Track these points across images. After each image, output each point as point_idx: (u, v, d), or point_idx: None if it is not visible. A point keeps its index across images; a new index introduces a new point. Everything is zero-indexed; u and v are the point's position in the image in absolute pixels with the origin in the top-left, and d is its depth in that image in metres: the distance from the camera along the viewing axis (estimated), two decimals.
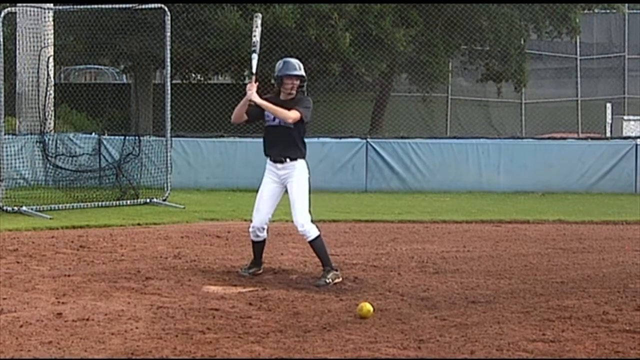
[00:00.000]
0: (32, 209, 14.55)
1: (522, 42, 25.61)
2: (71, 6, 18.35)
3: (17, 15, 17.29)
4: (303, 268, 9.47)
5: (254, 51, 8.81)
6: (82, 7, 18.59)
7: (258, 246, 9.02)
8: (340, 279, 8.65)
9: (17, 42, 17.50)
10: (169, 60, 16.47)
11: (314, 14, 21.77)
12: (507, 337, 6.55)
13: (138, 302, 7.59)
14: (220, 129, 20.26)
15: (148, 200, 16.17)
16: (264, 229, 8.89)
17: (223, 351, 6.10)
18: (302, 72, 8.70)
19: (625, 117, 27.82)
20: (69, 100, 21.97)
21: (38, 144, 17.07)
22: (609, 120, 28.35)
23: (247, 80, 8.73)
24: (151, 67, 25.40)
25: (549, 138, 20.89)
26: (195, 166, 19.08)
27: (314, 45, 22.00)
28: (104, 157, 18.05)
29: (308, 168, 8.85)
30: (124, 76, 29.81)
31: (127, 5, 17.37)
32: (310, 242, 8.71)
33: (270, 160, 8.82)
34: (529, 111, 29.48)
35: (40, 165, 17.19)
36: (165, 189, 16.31)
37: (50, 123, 17.46)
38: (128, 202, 16.04)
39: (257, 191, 8.94)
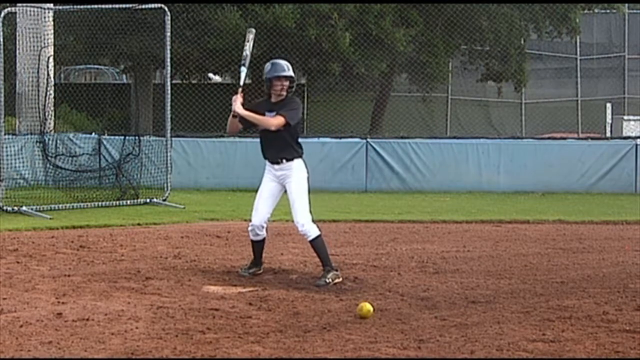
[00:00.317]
0: (32, 209, 14.55)
1: (522, 42, 25.62)
2: (71, 6, 18.35)
3: (17, 15, 17.29)
4: (303, 268, 9.47)
5: (243, 64, 8.91)
6: (82, 7, 18.59)
7: (258, 245, 9.02)
8: (340, 279, 8.65)
9: (17, 42, 17.50)
10: (169, 60, 16.47)
11: (314, 14, 21.77)
12: (507, 337, 6.55)
13: (138, 302, 7.60)
14: (220, 129, 20.20)
15: (148, 200, 16.17)
16: (263, 227, 8.89)
17: (223, 351, 6.10)
18: (291, 73, 8.72)
19: (625, 117, 27.83)
20: (69, 100, 21.98)
21: (38, 144, 17.07)
22: (609, 120, 28.36)
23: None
24: (151, 67, 25.41)
25: (549, 138, 20.89)
26: (195, 166, 19.08)
27: (314, 45, 22.00)
28: (104, 157, 18.05)
29: (306, 167, 8.86)
30: (124, 76, 29.82)
31: (127, 5, 17.38)
32: (310, 241, 8.71)
33: (268, 161, 8.86)
34: (529, 111, 29.48)
35: (40, 165, 17.18)
36: (165, 189, 16.31)
37: (50, 123, 17.46)
38: (128, 202, 16.04)
39: (257, 191, 8.95)
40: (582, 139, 21.54)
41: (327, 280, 8.51)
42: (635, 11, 29.89)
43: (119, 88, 28.34)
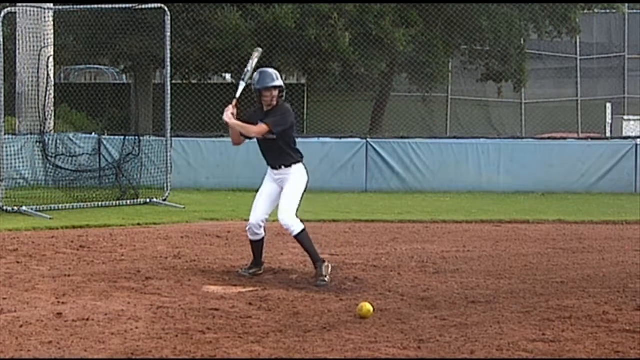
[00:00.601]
0: (32, 209, 14.55)
1: (522, 42, 25.61)
2: (71, 6, 18.34)
3: (17, 15, 17.28)
4: (303, 268, 9.47)
5: (243, 79, 9.01)
6: (82, 7, 18.59)
7: (257, 245, 9.03)
8: (331, 266, 8.69)
9: (17, 42, 17.49)
10: (169, 60, 16.47)
11: (314, 14, 21.77)
12: (507, 337, 6.55)
13: (138, 302, 7.60)
14: (220, 129, 20.22)
15: (148, 200, 16.17)
16: (260, 226, 8.92)
17: (223, 351, 6.10)
18: (279, 82, 8.78)
19: (625, 117, 27.82)
20: (69, 100, 21.98)
21: (38, 144, 17.07)
22: (609, 120, 28.35)
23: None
24: (151, 67, 25.40)
25: (549, 138, 20.89)
26: (195, 166, 19.07)
27: (314, 45, 22.00)
28: (104, 157, 18.04)
29: (307, 171, 8.90)
30: (124, 76, 29.81)
31: (127, 5, 17.38)
32: (295, 236, 8.75)
33: (269, 165, 8.98)
34: (529, 111, 29.47)
35: (40, 165, 17.18)
36: (165, 189, 16.31)
37: (50, 123, 17.46)
38: (128, 202, 16.04)
39: (257, 191, 8.98)
40: (582, 139, 21.53)
41: (326, 279, 8.51)
42: (635, 11, 29.88)
43: (119, 88, 28.33)
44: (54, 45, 17.96)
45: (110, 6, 17.90)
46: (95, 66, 30.49)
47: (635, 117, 27.58)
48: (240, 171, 18.75)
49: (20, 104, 17.80)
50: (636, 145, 19.40)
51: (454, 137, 21.09)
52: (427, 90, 25.50)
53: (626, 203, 17.06)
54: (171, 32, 16.38)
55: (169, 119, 16.50)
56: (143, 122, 23.35)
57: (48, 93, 17.32)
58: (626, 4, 28.06)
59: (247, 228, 9.00)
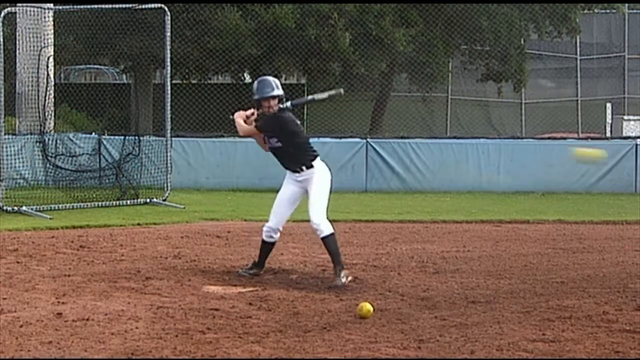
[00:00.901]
0: (32, 209, 14.55)
1: (522, 42, 25.61)
2: (71, 6, 18.34)
3: (17, 15, 17.28)
4: (303, 268, 9.47)
5: (293, 102, 8.92)
6: (82, 7, 18.59)
7: (267, 247, 9.05)
8: (352, 278, 8.65)
9: (17, 42, 17.49)
10: (169, 60, 16.48)
11: (314, 14, 21.77)
12: (507, 337, 6.55)
13: (138, 302, 7.60)
14: (220, 129, 20.24)
15: (148, 200, 16.17)
16: (278, 230, 8.99)
17: (223, 351, 6.10)
18: (277, 92, 8.80)
19: (625, 117, 27.83)
20: (69, 100, 21.98)
21: (38, 144, 17.06)
22: (609, 120, 28.36)
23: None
24: (151, 67, 25.40)
25: (549, 138, 20.89)
26: (195, 166, 19.07)
27: (314, 45, 22.00)
28: (104, 157, 18.04)
29: (328, 167, 8.95)
30: (124, 76, 29.81)
31: (127, 5, 17.38)
32: (322, 238, 8.73)
33: (289, 171, 8.98)
34: (529, 111, 29.47)
35: (40, 165, 17.18)
36: (165, 189, 16.31)
37: (50, 123, 17.46)
38: (128, 202, 16.04)
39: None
40: (582, 139, 21.54)
41: (343, 280, 8.50)
42: (635, 11, 29.89)
43: (119, 88, 28.32)
44: (54, 45, 17.96)
45: (110, 6, 17.90)
46: (95, 66, 30.48)
47: (635, 117, 27.59)
48: (240, 171, 18.76)
49: (20, 104, 17.80)
50: (636, 145, 19.40)
51: (454, 137, 21.10)
52: (427, 90, 25.50)
53: (626, 203, 17.06)
54: (171, 32, 16.38)
55: (169, 119, 16.50)
56: (143, 122, 23.35)
57: (48, 93, 17.32)
58: (626, 4, 28.06)
59: (264, 229, 8.99)
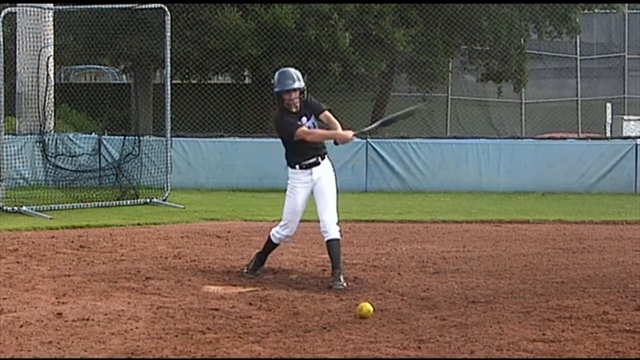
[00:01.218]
0: (32, 209, 14.55)
1: (522, 42, 25.61)
2: (71, 6, 18.35)
3: (17, 15, 17.29)
4: (303, 268, 9.47)
5: (383, 121, 9.29)
6: (82, 7, 18.59)
7: (273, 247, 9.06)
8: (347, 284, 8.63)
9: (17, 42, 17.50)
10: (169, 60, 16.48)
11: (314, 14, 21.77)
12: (507, 337, 6.55)
13: (138, 302, 7.59)
14: (220, 129, 20.26)
15: (148, 200, 16.17)
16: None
17: (223, 351, 6.10)
18: (299, 84, 8.59)
19: (625, 117, 27.83)
20: (69, 100, 21.98)
21: (38, 144, 17.07)
22: (609, 120, 28.35)
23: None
24: (151, 67, 25.40)
25: (549, 138, 20.89)
26: (195, 166, 19.07)
27: (314, 45, 22.00)
28: (104, 157, 18.05)
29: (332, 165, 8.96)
30: (124, 76, 29.81)
31: (127, 5, 17.38)
32: (328, 240, 8.63)
33: (305, 168, 8.73)
34: (529, 111, 29.47)
35: (40, 165, 17.18)
36: (165, 189, 16.31)
37: (50, 123, 17.46)
38: (128, 202, 16.04)
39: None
40: (582, 139, 21.54)
41: (344, 284, 8.45)
42: (635, 11, 29.88)
43: (119, 88, 28.32)
44: (54, 45, 17.96)
45: (110, 6, 17.91)
46: (95, 66, 30.49)
47: (635, 117, 27.59)
48: (240, 171, 18.76)
49: (20, 104, 17.80)
50: (636, 145, 19.40)
51: (454, 137, 21.11)
52: (427, 90, 25.49)
53: (626, 203, 17.06)
54: (171, 32, 16.39)
55: (169, 119, 16.50)
56: (143, 122, 23.35)
57: (48, 93, 17.33)
58: (626, 4, 28.05)
59: (278, 237, 8.89)
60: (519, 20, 24.39)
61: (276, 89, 8.62)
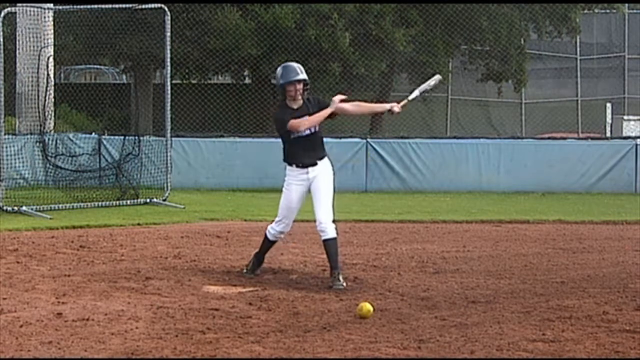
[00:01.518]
0: (32, 209, 14.55)
1: (522, 42, 25.61)
2: (71, 6, 18.34)
3: (17, 15, 17.28)
4: (303, 268, 9.47)
5: (420, 89, 9.71)
6: (82, 7, 18.59)
7: (271, 245, 9.04)
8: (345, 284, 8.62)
9: (17, 42, 17.49)
10: (169, 60, 16.48)
11: (314, 14, 21.77)
12: (507, 337, 6.55)
13: (138, 302, 7.60)
14: (220, 129, 20.25)
15: (148, 200, 16.17)
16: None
17: (223, 351, 6.10)
18: (303, 76, 8.58)
19: (625, 117, 27.82)
20: (69, 100, 21.97)
21: (38, 144, 17.07)
22: (609, 120, 28.35)
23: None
24: (151, 67, 25.40)
25: (549, 138, 20.89)
26: (195, 166, 19.07)
27: (313, 45, 21.99)
28: (104, 157, 18.04)
29: (332, 164, 8.94)
30: (124, 76, 29.81)
31: (127, 5, 17.38)
32: (324, 240, 8.65)
33: (301, 167, 8.72)
34: (529, 111, 29.46)
35: (40, 165, 17.18)
36: (165, 189, 16.31)
37: (50, 123, 17.46)
38: (128, 202, 16.04)
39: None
40: (582, 139, 21.54)
41: (344, 284, 8.45)
42: (635, 11, 29.87)
43: (119, 88, 28.32)
44: (54, 45, 17.96)
45: (110, 6, 17.91)
46: (95, 66, 30.49)
47: (635, 117, 27.59)
48: (240, 171, 18.76)
49: (20, 104, 17.80)
50: (636, 145, 19.41)
51: (454, 137, 21.10)
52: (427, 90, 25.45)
53: (626, 203, 17.06)
54: (171, 32, 16.38)
55: (169, 119, 16.50)
56: (143, 122, 23.35)
57: (48, 93, 17.33)
58: (626, 4, 28.05)
59: (275, 233, 8.89)
60: (519, 20, 24.38)
61: (280, 82, 8.60)
